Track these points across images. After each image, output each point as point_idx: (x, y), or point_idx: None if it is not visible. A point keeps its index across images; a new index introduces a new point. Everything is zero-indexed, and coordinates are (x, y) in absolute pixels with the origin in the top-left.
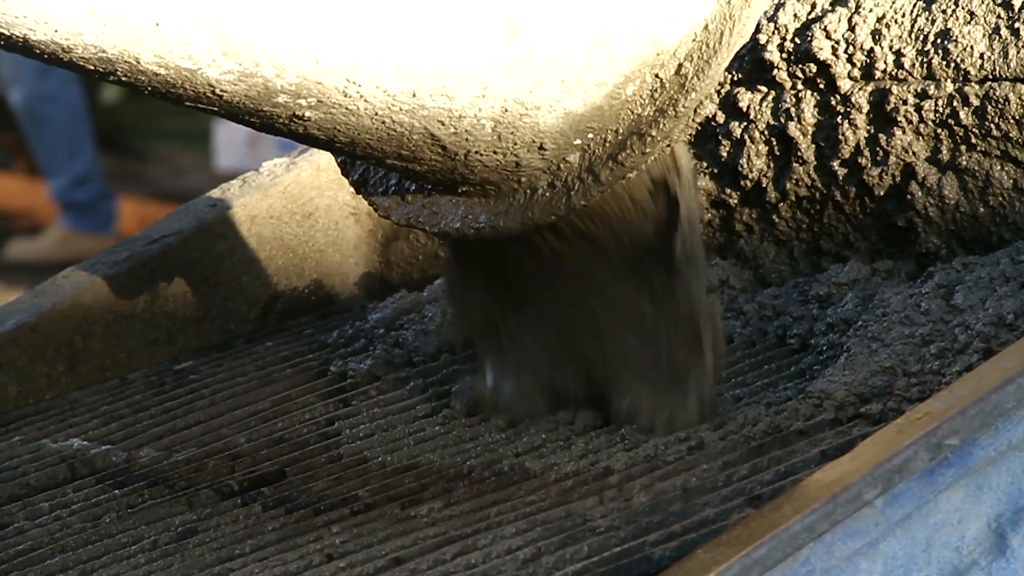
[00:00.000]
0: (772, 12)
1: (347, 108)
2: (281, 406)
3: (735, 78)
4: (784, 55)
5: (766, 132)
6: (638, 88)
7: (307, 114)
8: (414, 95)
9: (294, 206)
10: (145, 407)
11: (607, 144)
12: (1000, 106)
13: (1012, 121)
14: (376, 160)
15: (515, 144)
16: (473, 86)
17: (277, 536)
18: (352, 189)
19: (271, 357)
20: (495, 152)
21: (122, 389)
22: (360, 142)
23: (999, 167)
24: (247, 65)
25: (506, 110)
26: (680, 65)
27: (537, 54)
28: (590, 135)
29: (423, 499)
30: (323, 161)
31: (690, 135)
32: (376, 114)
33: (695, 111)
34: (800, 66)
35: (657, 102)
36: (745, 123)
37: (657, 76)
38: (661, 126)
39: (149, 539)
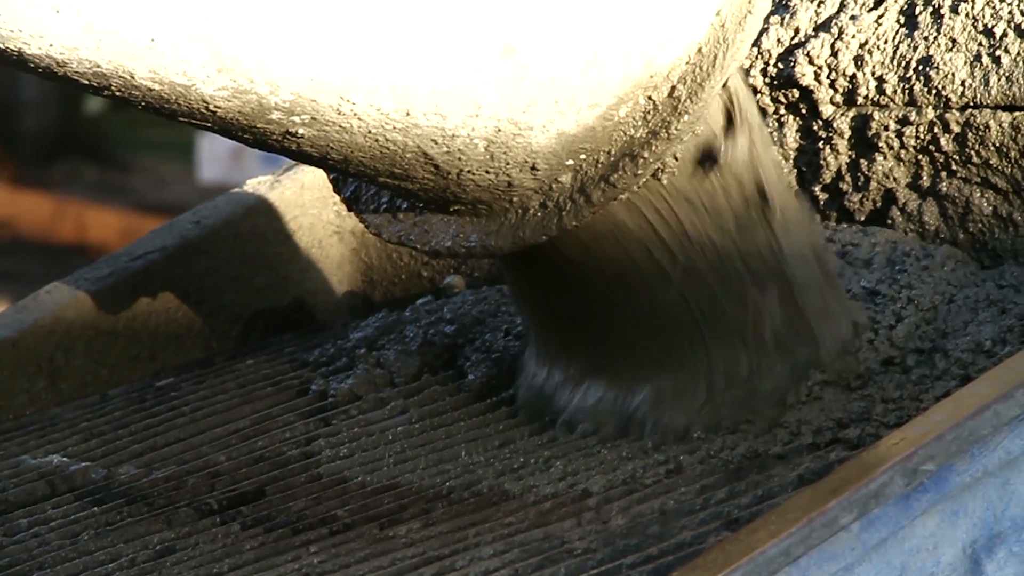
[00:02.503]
0: (756, 37)
1: (340, 126)
2: (261, 424)
3: None
4: (767, 80)
5: None
6: (631, 110)
7: (300, 131)
8: (408, 114)
9: (277, 224)
10: (125, 424)
11: (599, 165)
12: (980, 133)
13: (992, 148)
14: (368, 178)
15: (507, 164)
16: (467, 106)
17: (255, 555)
18: (339, 207)
19: (252, 375)
20: (487, 171)
21: (103, 405)
22: (353, 160)
23: (979, 194)
24: (241, 82)
25: (499, 130)
26: (673, 87)
27: (531, 75)
28: (582, 156)
29: (402, 519)
30: (307, 179)
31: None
32: (369, 132)
33: (688, 134)
34: (783, 91)
35: (650, 124)
36: None
37: (650, 98)
38: (654, 148)
39: (127, 557)
